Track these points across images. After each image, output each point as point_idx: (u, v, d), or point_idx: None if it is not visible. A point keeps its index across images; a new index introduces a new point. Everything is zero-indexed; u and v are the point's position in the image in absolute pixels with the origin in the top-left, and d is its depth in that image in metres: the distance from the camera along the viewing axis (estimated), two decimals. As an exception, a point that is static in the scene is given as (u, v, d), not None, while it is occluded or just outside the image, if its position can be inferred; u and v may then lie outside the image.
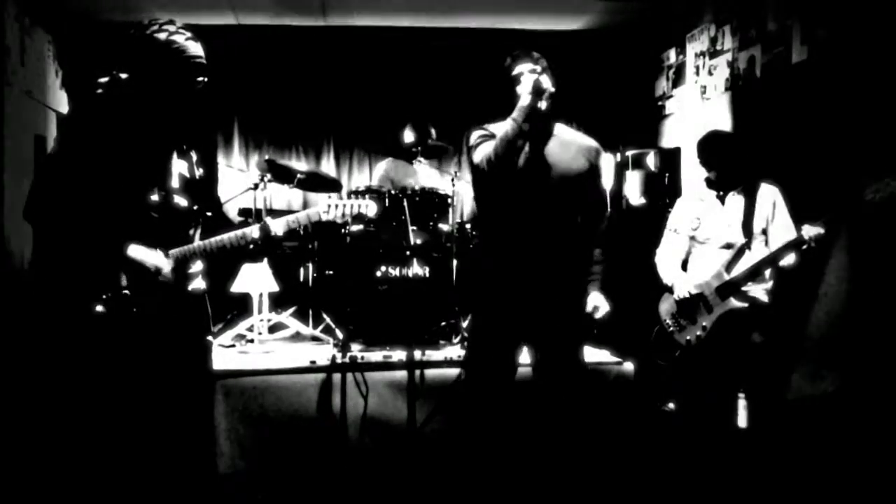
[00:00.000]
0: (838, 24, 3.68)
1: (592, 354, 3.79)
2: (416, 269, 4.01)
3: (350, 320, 4.03)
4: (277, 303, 4.35)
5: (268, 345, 4.05)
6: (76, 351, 2.24)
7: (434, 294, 4.03)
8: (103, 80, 2.31)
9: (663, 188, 5.02)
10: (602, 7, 5.38)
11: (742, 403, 3.49)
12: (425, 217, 4.21)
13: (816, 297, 3.73)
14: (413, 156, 4.82)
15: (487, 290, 2.66)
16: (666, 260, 3.55)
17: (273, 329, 4.26)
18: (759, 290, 3.31)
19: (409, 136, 4.79)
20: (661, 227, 3.65)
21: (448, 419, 3.27)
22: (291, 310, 4.37)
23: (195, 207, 2.42)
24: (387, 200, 4.12)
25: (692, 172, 3.67)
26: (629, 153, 5.24)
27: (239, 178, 5.37)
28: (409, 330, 3.77)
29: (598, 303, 2.73)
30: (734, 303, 3.25)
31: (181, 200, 2.36)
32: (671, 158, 5.20)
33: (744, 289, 3.26)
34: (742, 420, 3.47)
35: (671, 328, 3.43)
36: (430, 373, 3.38)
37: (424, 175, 4.88)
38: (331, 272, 4.45)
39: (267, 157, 4.56)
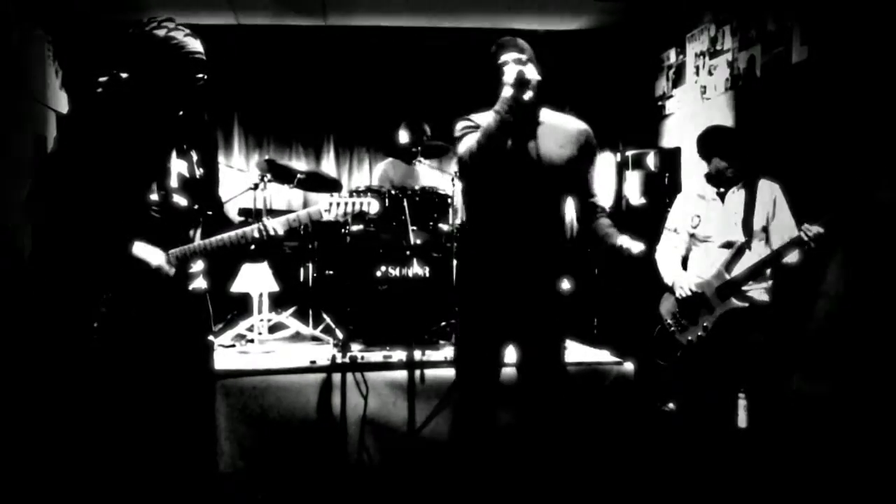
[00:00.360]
0: (838, 24, 3.68)
1: (592, 354, 3.79)
2: (416, 269, 4.01)
3: (350, 320, 4.03)
4: (277, 303, 4.35)
5: (268, 345, 4.05)
6: (77, 350, 2.24)
7: (434, 294, 4.03)
8: (103, 79, 2.31)
9: (663, 188, 5.02)
10: (602, 7, 5.39)
11: (742, 403, 3.49)
12: (425, 217, 4.21)
13: (817, 296, 3.73)
14: (413, 156, 4.81)
15: (473, 284, 2.62)
16: (666, 259, 3.55)
17: (273, 329, 4.26)
18: (759, 290, 3.30)
19: (403, 136, 4.79)
20: (662, 227, 3.65)
21: (447, 419, 3.27)
22: (291, 310, 4.37)
23: (195, 207, 2.42)
24: (387, 200, 4.12)
25: (692, 172, 3.67)
26: (629, 153, 5.25)
27: (239, 178, 5.37)
28: (409, 330, 3.77)
29: (626, 243, 2.55)
30: (735, 303, 3.25)
31: (181, 200, 2.36)
32: (671, 158, 5.20)
33: (744, 288, 3.26)
34: (742, 420, 3.47)
35: (672, 328, 3.43)
36: (430, 373, 3.37)
37: (424, 175, 4.88)
38: (331, 272, 4.45)
39: (267, 157, 4.56)
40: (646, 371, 3.60)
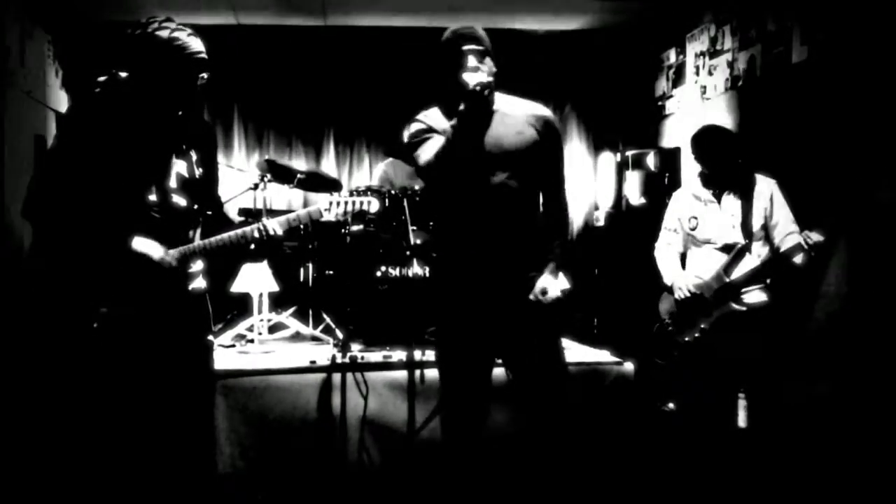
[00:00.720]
0: (838, 24, 3.68)
1: (592, 354, 3.79)
2: (416, 269, 4.01)
3: (350, 320, 4.03)
4: (277, 303, 4.35)
5: (268, 345, 4.05)
6: (77, 350, 2.24)
7: (430, 294, 4.02)
8: (102, 79, 2.31)
9: (663, 188, 5.02)
10: (602, 7, 5.38)
11: (742, 403, 3.49)
12: (425, 217, 4.20)
13: (817, 296, 3.73)
14: (413, 156, 4.80)
15: (445, 291, 2.48)
16: (665, 259, 3.55)
17: (273, 329, 4.26)
18: (757, 294, 3.29)
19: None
20: (660, 226, 3.65)
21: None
22: (291, 310, 4.37)
23: (195, 207, 2.41)
24: (387, 200, 4.11)
25: (692, 172, 3.67)
26: (629, 153, 5.25)
27: (239, 178, 5.37)
28: (409, 330, 3.76)
29: (545, 284, 2.39)
30: (733, 306, 3.25)
31: (180, 200, 2.36)
32: (671, 158, 5.20)
33: (742, 292, 3.26)
34: (742, 420, 3.47)
35: (670, 328, 3.43)
36: (430, 373, 3.37)
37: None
38: (331, 272, 4.44)
39: (267, 157, 4.56)
40: (646, 371, 3.60)
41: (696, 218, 3.43)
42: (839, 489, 3.06)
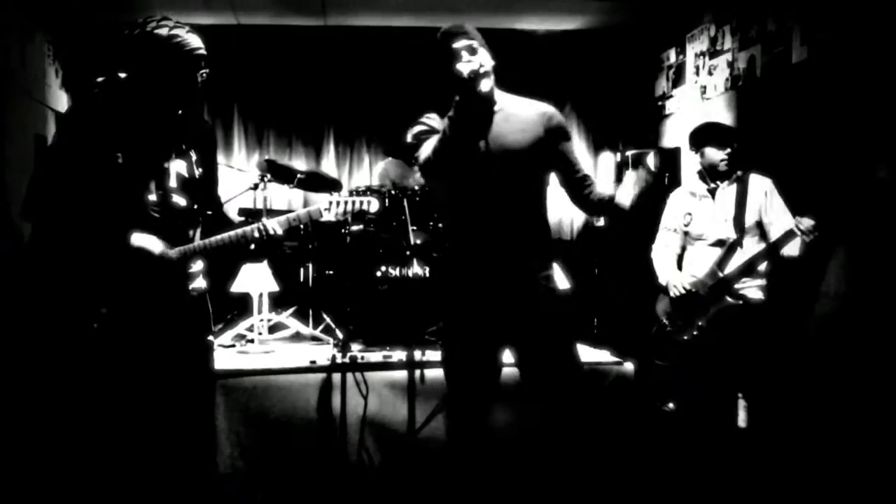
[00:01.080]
0: (838, 23, 3.68)
1: (592, 354, 3.79)
2: (416, 269, 4.01)
3: (350, 320, 4.03)
4: (277, 303, 4.35)
5: (268, 345, 4.05)
6: (77, 350, 2.24)
7: (434, 294, 4.03)
8: (101, 79, 2.31)
9: (663, 188, 5.01)
10: (602, 7, 5.38)
11: (742, 403, 3.49)
12: (425, 217, 4.21)
13: (817, 295, 3.73)
14: (413, 156, 4.80)
15: (451, 289, 2.46)
16: (661, 259, 3.55)
17: (273, 329, 4.26)
18: (753, 289, 3.30)
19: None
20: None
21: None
22: (291, 310, 4.37)
23: (194, 207, 2.41)
24: (387, 200, 4.12)
25: (692, 172, 3.68)
26: (629, 153, 5.24)
27: (239, 178, 5.37)
28: (409, 330, 3.76)
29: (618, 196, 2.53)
30: (728, 301, 3.25)
31: (180, 200, 2.36)
32: (671, 158, 5.19)
33: (737, 286, 3.26)
34: (742, 420, 3.47)
35: (668, 327, 3.43)
36: (430, 373, 3.37)
37: (425, 175, 4.87)
38: (331, 272, 4.44)
39: (267, 157, 4.56)
40: (646, 371, 3.60)
41: (689, 214, 3.43)
42: (839, 489, 3.06)
